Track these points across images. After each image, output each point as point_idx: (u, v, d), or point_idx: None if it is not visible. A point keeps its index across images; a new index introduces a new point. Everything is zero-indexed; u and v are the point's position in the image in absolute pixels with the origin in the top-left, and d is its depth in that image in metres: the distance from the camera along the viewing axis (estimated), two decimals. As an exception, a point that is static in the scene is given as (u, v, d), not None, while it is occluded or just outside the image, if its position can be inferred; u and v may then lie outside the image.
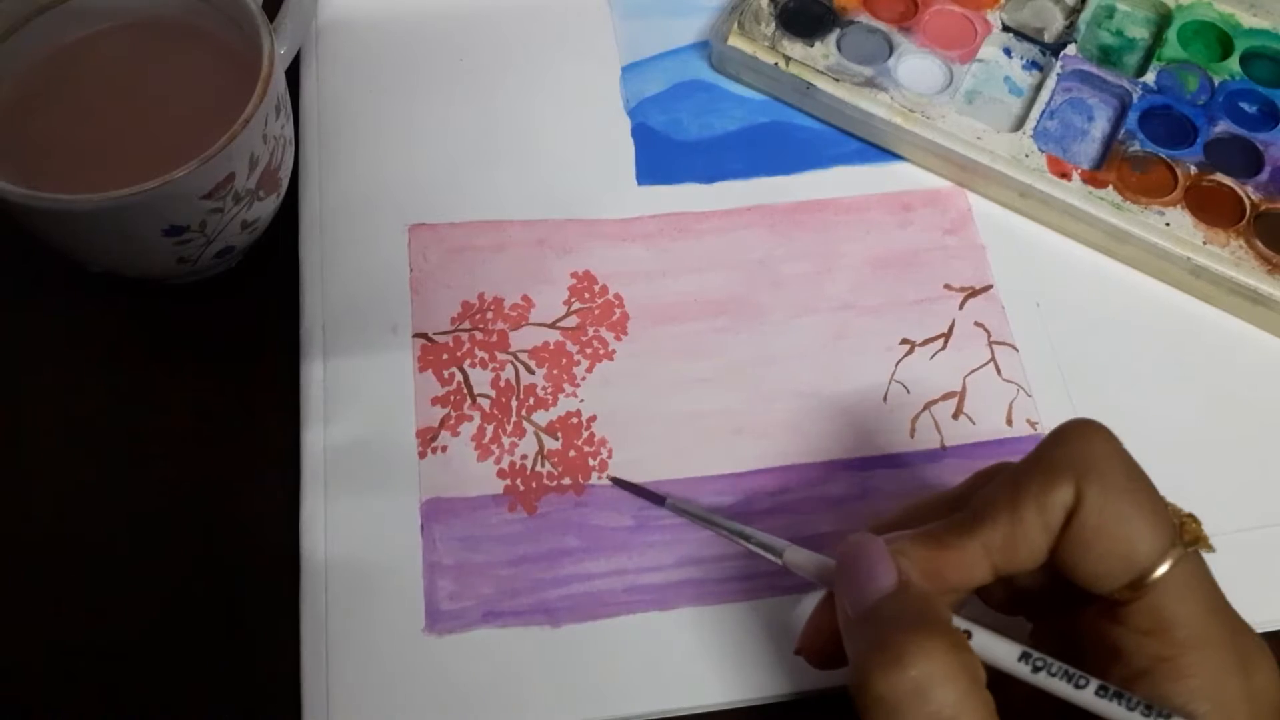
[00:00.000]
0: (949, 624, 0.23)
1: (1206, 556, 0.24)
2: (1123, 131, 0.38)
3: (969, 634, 0.24)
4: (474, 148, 0.39)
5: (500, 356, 0.34)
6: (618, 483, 0.32)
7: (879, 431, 0.34)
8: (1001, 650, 0.24)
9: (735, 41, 0.39)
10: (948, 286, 0.37)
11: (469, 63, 0.41)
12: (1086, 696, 0.23)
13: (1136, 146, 0.38)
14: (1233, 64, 0.40)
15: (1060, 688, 0.23)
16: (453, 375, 0.34)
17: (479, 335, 0.35)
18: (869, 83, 0.39)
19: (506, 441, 0.33)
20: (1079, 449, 0.24)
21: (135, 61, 0.34)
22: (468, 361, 0.34)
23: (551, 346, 0.35)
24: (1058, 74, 0.40)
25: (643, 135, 0.39)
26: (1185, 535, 0.24)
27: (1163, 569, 0.23)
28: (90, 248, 0.31)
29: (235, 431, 0.34)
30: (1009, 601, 0.26)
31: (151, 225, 0.30)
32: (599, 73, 0.41)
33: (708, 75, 0.41)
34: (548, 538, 0.32)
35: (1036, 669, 0.23)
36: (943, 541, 0.25)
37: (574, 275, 0.36)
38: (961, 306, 0.36)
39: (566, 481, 0.33)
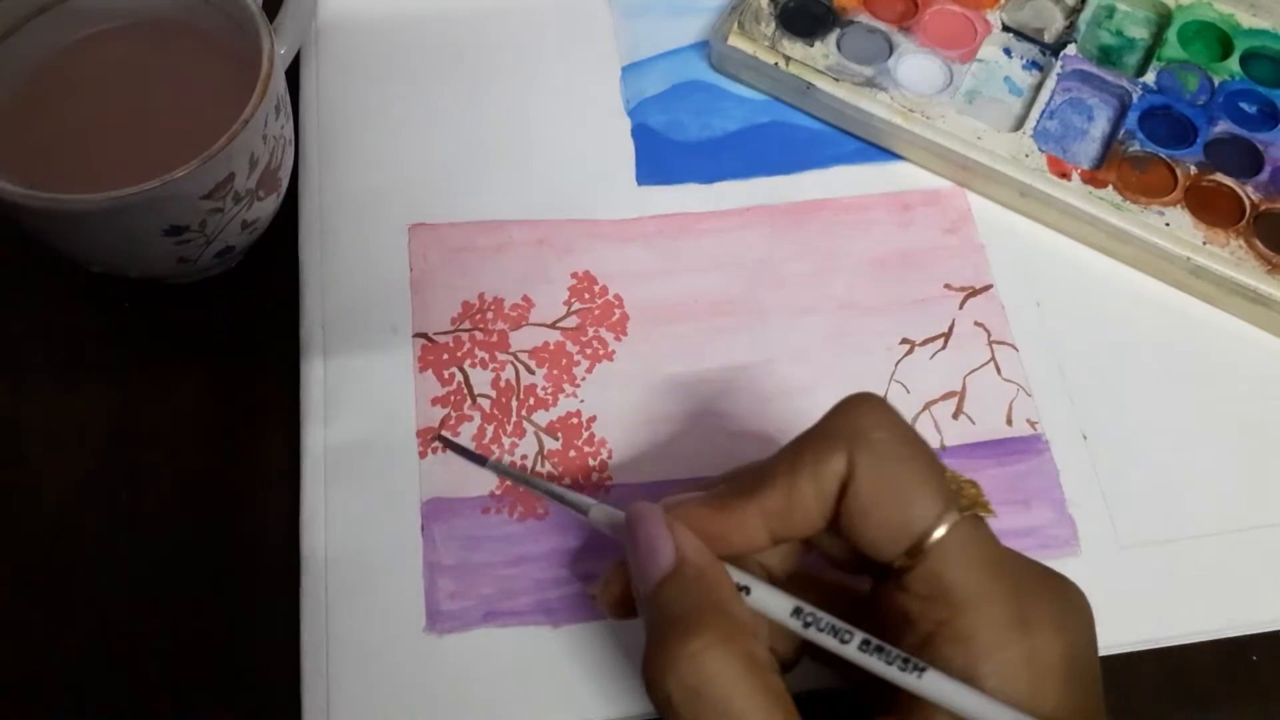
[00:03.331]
0: (722, 609, 0.24)
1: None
2: (1123, 131, 0.38)
3: (748, 590, 0.24)
4: (474, 148, 0.39)
5: (500, 357, 0.34)
6: (443, 440, 0.33)
7: (879, 431, 0.34)
8: (776, 606, 0.24)
9: (735, 41, 0.39)
10: (948, 286, 0.37)
11: (468, 63, 0.41)
12: (851, 651, 0.23)
13: (1136, 146, 0.38)
14: (1233, 64, 0.40)
15: (828, 642, 0.24)
16: (453, 375, 0.34)
17: (479, 335, 0.35)
18: (869, 82, 0.39)
19: (507, 442, 0.33)
20: (852, 420, 0.25)
21: (135, 61, 0.34)
22: (468, 362, 0.34)
23: (552, 347, 0.35)
24: (1058, 74, 0.40)
25: (643, 135, 0.39)
26: (962, 501, 0.24)
27: (937, 534, 0.23)
28: (90, 248, 0.31)
29: (235, 431, 0.34)
30: (852, 564, 0.26)
31: (151, 225, 0.30)
32: (599, 73, 0.41)
33: (708, 75, 0.41)
34: (548, 538, 0.32)
35: (807, 624, 0.24)
36: (724, 505, 0.25)
37: (574, 275, 0.36)
38: (961, 306, 0.36)
39: (567, 482, 0.33)
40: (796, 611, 0.24)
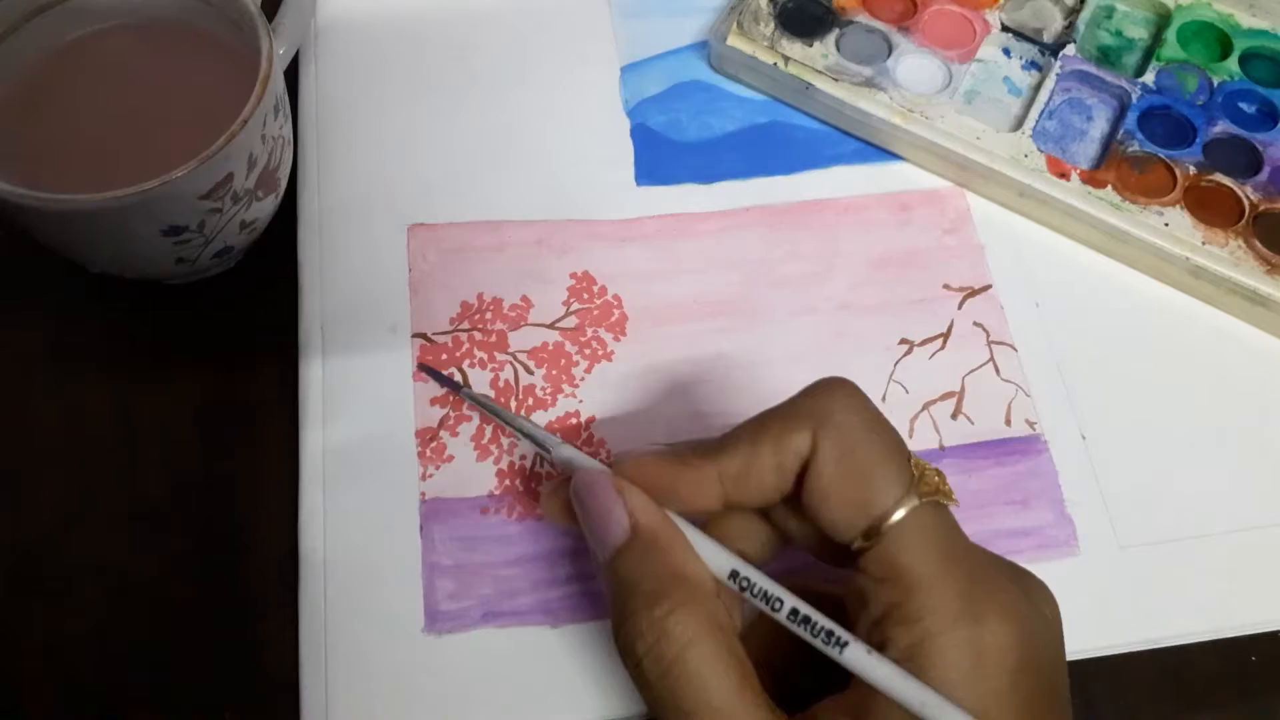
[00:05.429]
0: (680, 575, 0.24)
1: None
2: (1122, 131, 0.38)
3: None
4: (473, 148, 0.39)
5: (499, 357, 0.34)
6: (424, 369, 0.34)
7: (878, 431, 0.34)
8: (717, 564, 0.25)
9: (734, 41, 0.39)
10: (946, 286, 0.37)
11: (468, 63, 0.41)
12: (782, 618, 0.24)
13: (1135, 146, 0.38)
14: (1232, 64, 0.40)
15: (763, 607, 0.24)
16: (452, 375, 0.34)
17: (478, 335, 0.35)
18: (868, 83, 0.39)
19: (506, 442, 0.33)
20: (821, 402, 0.25)
21: (135, 61, 0.34)
22: (467, 362, 0.34)
23: (550, 347, 0.35)
24: (1057, 74, 0.40)
25: (642, 135, 0.39)
26: (923, 487, 0.24)
27: (896, 517, 0.24)
28: (89, 248, 0.31)
29: (234, 431, 0.34)
30: (818, 548, 0.27)
31: (150, 225, 0.30)
32: (598, 73, 0.41)
33: (707, 75, 0.41)
34: (547, 538, 0.32)
35: (742, 587, 0.25)
36: (682, 459, 0.26)
37: (573, 276, 0.36)
38: (960, 306, 0.36)
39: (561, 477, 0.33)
40: (733, 574, 0.25)
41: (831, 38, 0.40)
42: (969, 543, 0.25)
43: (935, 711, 0.22)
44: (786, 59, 0.39)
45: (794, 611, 0.24)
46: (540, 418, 0.33)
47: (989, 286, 0.37)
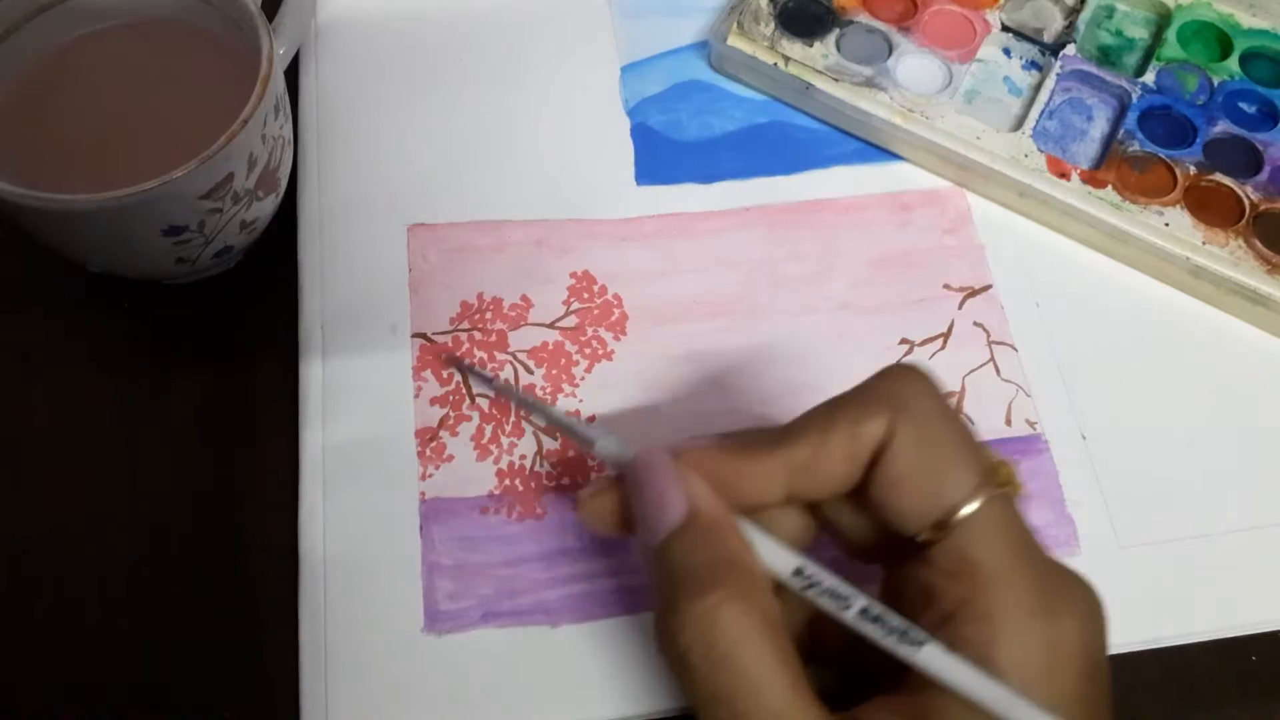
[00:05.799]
0: (735, 565, 0.23)
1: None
2: (1122, 131, 0.38)
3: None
4: (473, 147, 0.39)
5: (499, 356, 0.34)
6: (452, 360, 0.33)
7: (878, 431, 0.34)
8: (779, 562, 0.24)
9: (735, 41, 0.39)
10: (947, 286, 0.37)
11: (468, 62, 0.41)
12: (850, 617, 0.23)
13: (1136, 146, 0.38)
14: (1232, 64, 0.40)
15: (827, 605, 0.23)
16: (451, 375, 0.34)
17: (478, 335, 0.35)
18: (868, 82, 0.39)
19: (505, 441, 0.33)
20: (897, 387, 0.24)
21: (135, 61, 0.34)
22: (467, 361, 0.34)
23: (550, 347, 0.35)
24: (1057, 74, 0.40)
25: (642, 135, 0.39)
26: (996, 479, 0.24)
27: (968, 510, 0.23)
28: (89, 248, 0.31)
29: (234, 431, 0.34)
30: (863, 550, 0.26)
31: (150, 225, 0.30)
32: (598, 72, 0.41)
33: (707, 75, 0.41)
34: (547, 538, 0.32)
35: (808, 586, 0.23)
36: (746, 451, 0.24)
37: (573, 275, 0.36)
38: (960, 306, 0.36)
39: (565, 482, 0.33)
40: (798, 571, 0.24)
41: (831, 38, 0.40)
42: (1036, 540, 0.24)
43: (1020, 714, 0.21)
44: (786, 59, 0.39)
45: (864, 610, 0.23)
46: (540, 417, 0.33)
47: (989, 286, 0.37)
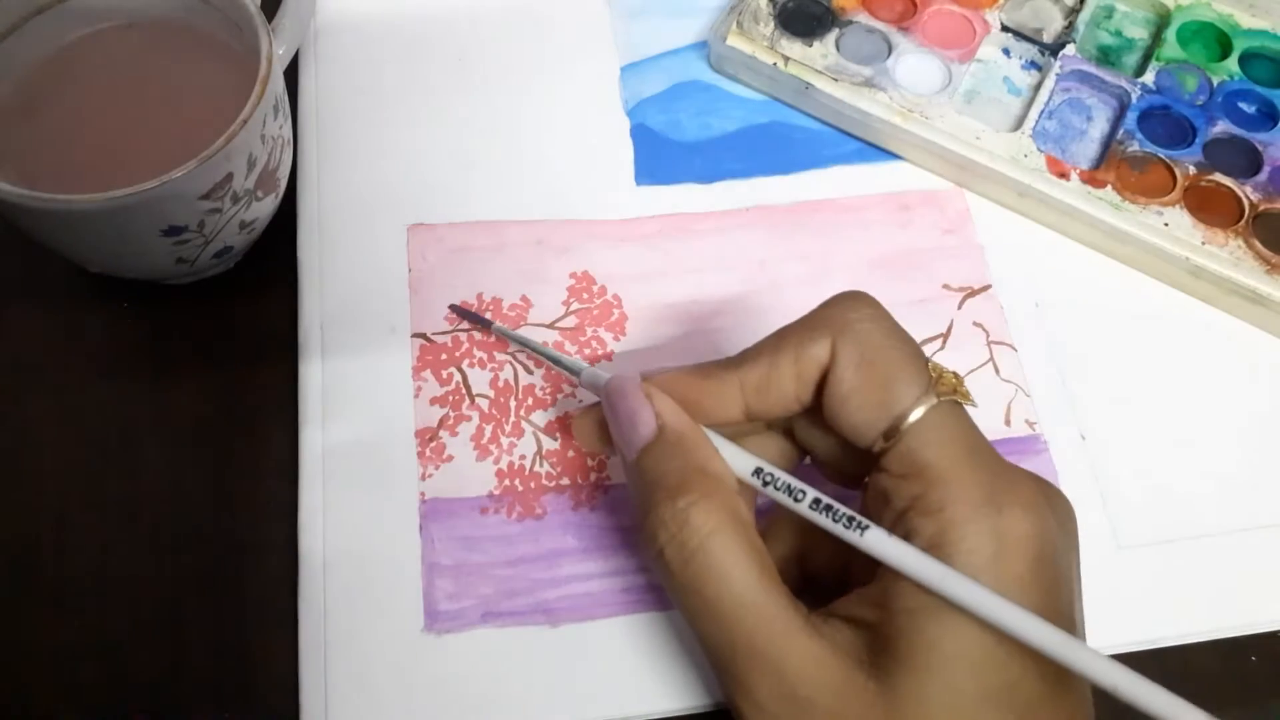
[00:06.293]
0: (704, 470, 0.25)
1: None
2: (1121, 131, 0.38)
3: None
4: (472, 148, 0.39)
5: (499, 357, 0.34)
6: (455, 309, 0.35)
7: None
8: (740, 464, 0.26)
9: (734, 41, 0.39)
10: (946, 286, 0.37)
11: (467, 63, 0.41)
12: (803, 509, 0.25)
13: (1135, 146, 0.38)
14: (1231, 64, 0.40)
15: (783, 499, 0.25)
16: (451, 375, 0.34)
17: (478, 335, 0.35)
18: (868, 82, 0.39)
19: (505, 441, 0.33)
20: (840, 311, 0.26)
21: (135, 61, 0.34)
22: (466, 361, 0.34)
23: (550, 347, 0.35)
24: (1056, 74, 0.40)
25: (641, 135, 0.39)
26: (941, 387, 0.25)
27: (915, 415, 0.24)
28: (89, 248, 0.31)
29: (234, 432, 0.34)
30: (841, 473, 0.28)
31: (150, 225, 0.30)
32: (598, 73, 0.41)
33: (707, 75, 0.41)
34: (547, 538, 0.32)
35: (765, 482, 0.26)
36: (706, 373, 0.27)
37: (573, 275, 0.36)
38: (960, 306, 0.36)
39: (565, 482, 0.33)
40: (757, 471, 0.26)
41: (831, 38, 0.40)
42: (987, 442, 0.25)
43: (955, 586, 0.22)
44: (786, 59, 0.39)
45: (816, 500, 0.25)
46: (540, 417, 0.33)
47: (989, 286, 0.37)
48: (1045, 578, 0.23)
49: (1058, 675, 0.23)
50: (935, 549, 0.23)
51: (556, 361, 0.32)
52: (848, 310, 0.26)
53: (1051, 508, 0.24)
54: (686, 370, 0.27)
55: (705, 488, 0.25)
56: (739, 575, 0.24)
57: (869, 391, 0.25)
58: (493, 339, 0.35)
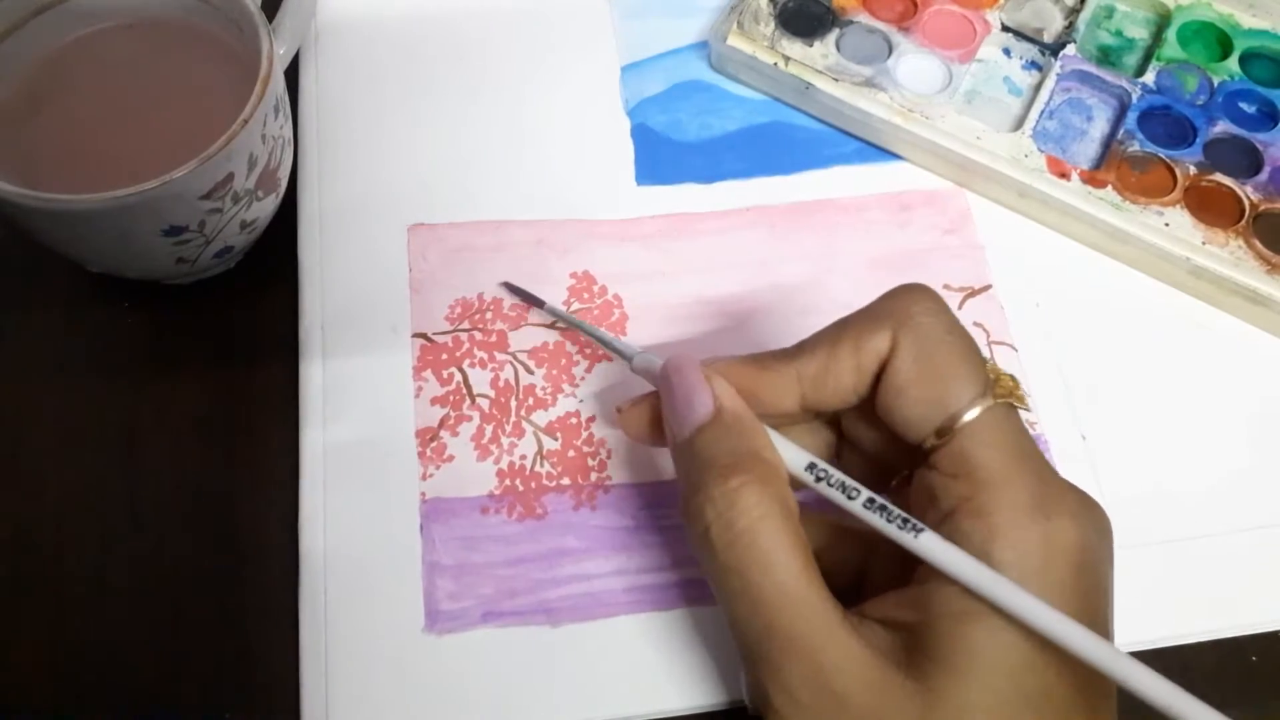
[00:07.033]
0: (758, 455, 0.25)
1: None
2: (1122, 131, 0.38)
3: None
4: (473, 148, 0.39)
5: (499, 356, 0.34)
6: (508, 286, 0.35)
7: (878, 431, 0.34)
8: (793, 458, 0.26)
9: (735, 41, 0.39)
10: (947, 286, 0.37)
11: (468, 63, 0.41)
12: (856, 507, 0.25)
13: (1136, 146, 0.38)
14: (1232, 64, 0.40)
15: (837, 497, 0.25)
16: (452, 375, 0.34)
17: (478, 335, 0.35)
18: (868, 82, 0.39)
19: (506, 442, 0.33)
20: (902, 304, 0.26)
21: (135, 61, 0.34)
22: (467, 361, 0.34)
23: (551, 347, 0.35)
24: (1057, 74, 0.40)
25: (642, 135, 0.39)
26: (998, 389, 0.25)
27: (969, 416, 0.24)
28: (89, 248, 0.31)
29: (234, 432, 0.34)
30: (880, 456, 0.28)
31: (150, 225, 0.30)
32: (598, 73, 0.41)
33: (707, 75, 0.41)
34: (547, 538, 0.32)
35: (819, 479, 0.25)
36: (763, 363, 0.27)
37: (573, 275, 0.36)
38: (961, 306, 0.36)
39: (566, 482, 0.33)
40: (810, 466, 0.26)
41: (831, 38, 0.40)
42: (1038, 449, 0.25)
43: (1006, 594, 0.22)
44: (786, 59, 0.39)
45: (870, 500, 0.24)
46: (540, 417, 0.33)
47: (989, 286, 0.37)
48: (1085, 586, 0.23)
49: (1087, 680, 0.23)
50: (982, 553, 0.23)
51: (609, 345, 0.32)
52: (910, 303, 0.26)
53: (1092, 519, 0.24)
54: (741, 360, 0.27)
55: (759, 472, 0.24)
56: (784, 563, 0.24)
57: (926, 386, 0.25)
58: (493, 339, 0.35)
